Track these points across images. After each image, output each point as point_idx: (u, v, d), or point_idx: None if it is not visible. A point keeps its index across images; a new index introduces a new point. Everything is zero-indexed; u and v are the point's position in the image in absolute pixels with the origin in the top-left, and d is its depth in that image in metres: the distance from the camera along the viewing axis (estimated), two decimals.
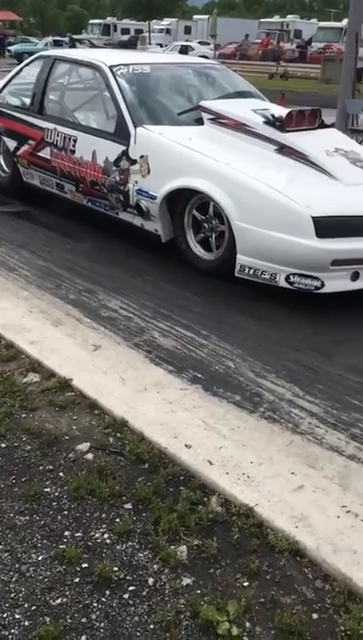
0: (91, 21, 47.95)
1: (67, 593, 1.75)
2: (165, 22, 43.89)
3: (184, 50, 28.07)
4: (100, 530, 1.96)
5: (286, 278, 3.49)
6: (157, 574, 1.81)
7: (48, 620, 1.67)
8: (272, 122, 4.07)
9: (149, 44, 35.41)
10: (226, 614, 1.67)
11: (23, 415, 2.51)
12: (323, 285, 3.47)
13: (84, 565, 1.83)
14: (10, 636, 1.62)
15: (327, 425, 2.52)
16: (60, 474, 2.19)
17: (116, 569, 1.82)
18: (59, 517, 2.00)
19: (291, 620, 1.66)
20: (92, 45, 29.66)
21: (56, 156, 4.83)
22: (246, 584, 1.78)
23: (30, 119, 5.10)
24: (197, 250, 4.03)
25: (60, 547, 1.89)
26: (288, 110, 4.18)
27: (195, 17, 48.26)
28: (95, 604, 1.72)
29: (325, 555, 1.85)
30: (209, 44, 33.58)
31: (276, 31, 37.60)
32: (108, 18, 49.17)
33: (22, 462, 2.25)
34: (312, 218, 3.39)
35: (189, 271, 4.01)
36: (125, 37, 40.40)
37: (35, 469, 2.22)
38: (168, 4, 44.36)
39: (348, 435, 2.46)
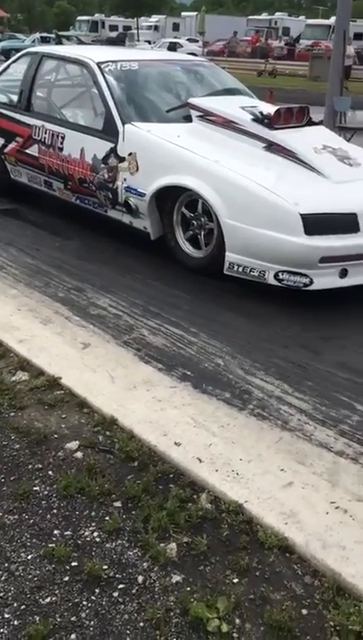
0: (78, 18, 47.69)
1: (56, 592, 1.74)
2: (154, 19, 43.78)
3: (173, 47, 28.01)
4: (90, 528, 1.95)
5: (275, 275, 3.50)
6: (146, 572, 1.81)
7: (37, 618, 1.66)
8: (261, 119, 4.08)
9: (138, 40, 35.31)
10: (216, 611, 1.68)
11: (12, 414, 2.50)
12: (312, 282, 3.48)
13: (73, 564, 1.83)
14: None
15: (316, 421, 2.53)
16: (50, 472, 2.19)
17: (105, 567, 1.81)
18: (48, 516, 2.00)
19: (280, 616, 1.67)
20: (80, 42, 29.53)
21: (44, 154, 4.81)
22: (235, 581, 1.79)
23: (18, 116, 5.07)
24: (186, 247, 4.03)
25: (50, 545, 1.88)
26: (276, 108, 4.19)
27: (183, 14, 48.13)
28: (85, 603, 1.71)
29: (314, 551, 1.85)
30: (198, 41, 33.53)
31: (264, 28, 37.62)
32: (96, 14, 48.92)
33: (11, 461, 2.24)
34: (301, 215, 3.40)
35: (177, 269, 4.01)
36: (113, 34, 40.21)
37: (23, 468, 2.21)
38: (156, 0, 44.28)
39: (337, 431, 2.47)
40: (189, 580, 1.79)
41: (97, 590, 1.75)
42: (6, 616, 1.67)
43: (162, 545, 1.88)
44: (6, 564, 1.82)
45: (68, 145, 4.58)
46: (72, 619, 1.67)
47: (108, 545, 1.89)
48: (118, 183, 4.20)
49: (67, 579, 1.78)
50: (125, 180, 4.16)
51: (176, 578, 1.79)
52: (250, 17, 44.34)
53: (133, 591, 1.75)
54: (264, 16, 43.88)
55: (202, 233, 3.92)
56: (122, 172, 4.17)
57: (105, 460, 2.24)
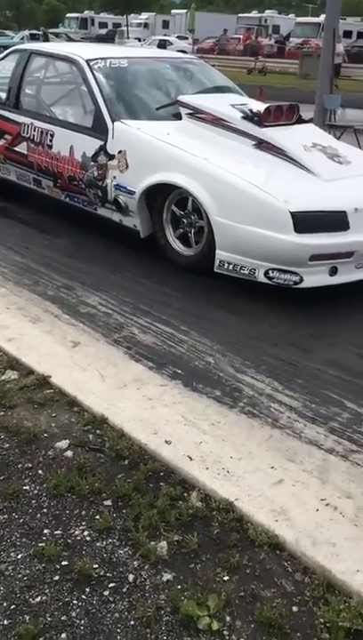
0: (68, 15, 47.43)
1: (46, 591, 1.74)
2: (143, 16, 43.64)
3: (162, 44, 27.94)
4: (80, 527, 1.95)
5: (265, 273, 3.50)
6: (137, 570, 1.81)
7: (27, 618, 1.66)
8: (250, 117, 4.07)
9: (127, 38, 35.19)
10: (206, 609, 1.68)
11: (1, 413, 2.49)
12: (302, 280, 3.49)
13: (63, 563, 1.82)
14: None
15: (306, 419, 2.54)
16: (40, 471, 2.18)
17: (96, 566, 1.81)
18: (38, 515, 1.99)
19: (271, 614, 1.67)
20: (69, 39, 29.40)
21: (33, 151, 4.78)
22: (226, 578, 1.79)
23: (6, 113, 5.04)
24: (177, 245, 4.02)
25: (40, 545, 1.88)
26: (266, 105, 4.19)
27: (173, 11, 48.01)
28: (75, 602, 1.71)
29: (304, 548, 1.86)
30: (187, 38, 33.51)
31: (254, 26, 37.62)
32: (86, 11, 48.65)
33: (0, 460, 2.23)
34: (291, 213, 3.40)
35: (168, 267, 4.01)
36: (103, 31, 40.08)
37: (13, 467, 2.20)
38: None
39: (326, 428, 2.48)
40: (180, 578, 1.79)
41: (87, 589, 1.75)
42: None
43: (152, 543, 1.88)
44: None
45: (58, 142, 4.56)
46: (62, 618, 1.66)
47: (98, 544, 1.89)
48: (108, 181, 4.19)
49: (57, 578, 1.78)
50: (114, 177, 4.15)
51: (167, 576, 1.79)
52: (240, 15, 44.25)
53: (124, 590, 1.75)
54: (254, 14, 43.87)
55: (192, 231, 3.91)
56: (111, 170, 4.16)
57: (95, 459, 2.24)
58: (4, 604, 1.69)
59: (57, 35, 32.70)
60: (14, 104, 5.02)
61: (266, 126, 4.01)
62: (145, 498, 2.04)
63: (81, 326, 3.21)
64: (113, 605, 1.70)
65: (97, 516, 1.98)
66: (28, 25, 42.74)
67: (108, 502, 2.04)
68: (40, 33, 30.22)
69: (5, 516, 1.98)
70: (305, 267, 3.47)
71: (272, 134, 3.97)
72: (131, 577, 1.79)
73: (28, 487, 2.11)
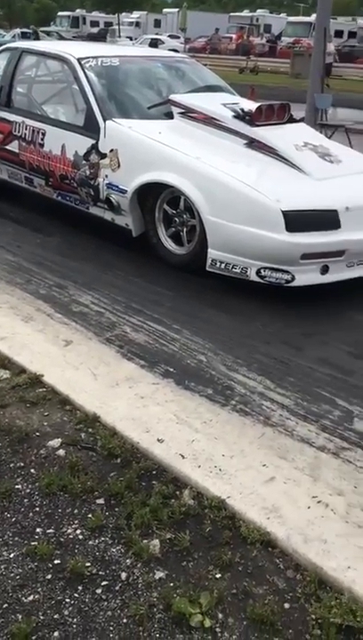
0: (59, 13, 47.30)
1: (39, 590, 1.74)
2: (135, 15, 43.59)
3: (154, 43, 27.91)
4: (73, 526, 1.95)
5: (257, 272, 3.51)
6: (129, 569, 1.81)
7: (20, 617, 1.66)
8: (242, 116, 4.08)
9: (119, 36, 35.12)
10: (199, 606, 1.69)
11: None
12: (293, 279, 3.50)
13: (56, 562, 1.82)
14: None
15: (298, 417, 2.55)
16: (32, 470, 2.18)
17: (88, 564, 1.81)
18: (30, 514, 1.99)
19: (263, 611, 1.68)
20: (61, 38, 29.31)
21: (24, 150, 4.77)
22: (218, 576, 1.80)
23: None
24: (169, 244, 4.03)
25: (32, 543, 1.88)
26: (258, 105, 4.20)
27: (165, 10, 47.99)
28: (68, 600, 1.71)
29: (296, 545, 1.87)
30: (179, 37, 33.48)
31: (246, 25, 37.66)
32: (78, 10, 48.50)
33: None
34: (282, 212, 3.41)
35: (160, 265, 4.01)
36: (95, 30, 40.00)
37: (5, 466, 2.19)
38: None
39: (318, 426, 2.49)
40: (173, 575, 1.80)
41: (80, 587, 1.75)
42: None
43: (145, 541, 1.88)
44: None
45: (49, 141, 4.55)
46: (55, 616, 1.67)
47: (91, 542, 1.89)
48: (100, 180, 4.19)
49: (49, 576, 1.78)
50: (106, 176, 4.15)
51: (159, 574, 1.80)
52: (232, 14, 44.30)
53: (117, 588, 1.75)
54: (246, 13, 43.92)
55: (184, 230, 3.92)
56: (103, 169, 4.16)
57: (87, 458, 2.24)
58: None
59: (48, 33, 32.56)
60: (6, 102, 5.00)
61: (257, 125, 4.02)
62: (137, 496, 2.04)
63: (73, 325, 3.21)
64: (106, 603, 1.71)
65: (89, 515, 1.98)
66: (19, 23, 42.55)
67: (101, 501, 2.05)
68: (30, 31, 30.07)
69: None
70: (297, 265, 3.48)
71: (264, 133, 3.97)
72: (123, 575, 1.79)
73: (20, 486, 2.10)
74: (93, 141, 4.22)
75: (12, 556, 1.84)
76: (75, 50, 4.78)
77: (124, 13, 41.36)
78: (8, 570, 1.79)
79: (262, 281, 3.53)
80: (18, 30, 30.69)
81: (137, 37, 34.69)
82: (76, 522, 1.96)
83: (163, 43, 29.96)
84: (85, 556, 1.84)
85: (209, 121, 4.11)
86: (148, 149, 3.98)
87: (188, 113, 4.21)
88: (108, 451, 2.26)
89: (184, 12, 29.96)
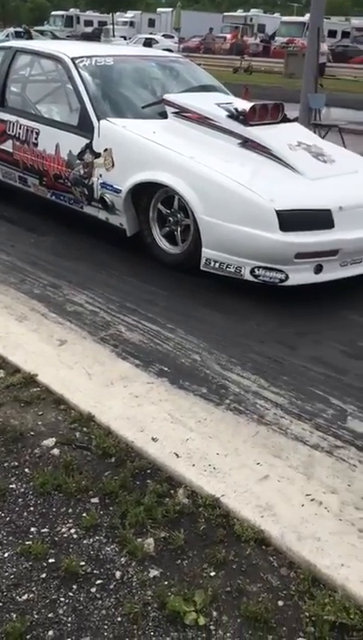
0: (53, 13, 47.16)
1: (33, 589, 1.74)
2: (129, 15, 43.57)
3: (148, 43, 27.91)
4: (67, 525, 1.95)
5: (251, 271, 3.52)
6: (124, 567, 1.81)
7: (15, 616, 1.66)
8: (236, 116, 4.09)
9: (113, 36, 35.09)
10: (193, 604, 1.69)
11: None
12: (287, 278, 3.51)
13: (50, 561, 1.83)
14: None
15: (292, 415, 2.56)
16: (26, 470, 2.18)
17: (83, 563, 1.82)
18: (25, 514, 1.99)
19: (257, 608, 1.68)
20: (55, 37, 29.22)
21: (18, 149, 4.77)
22: (212, 574, 1.80)
23: None
24: (163, 244, 4.03)
25: (27, 543, 1.88)
26: (252, 104, 4.21)
27: (159, 10, 47.95)
28: (62, 599, 1.71)
29: (289, 543, 1.88)
30: (173, 37, 33.46)
31: (239, 25, 37.69)
32: (71, 9, 48.38)
33: None
34: (276, 211, 3.42)
35: (154, 265, 4.01)
36: (89, 29, 39.91)
37: None
38: None
39: (312, 425, 2.50)
40: (167, 574, 1.80)
41: (74, 586, 1.75)
42: None
43: (139, 540, 1.89)
44: None
45: (43, 141, 4.55)
46: (49, 615, 1.67)
47: (85, 541, 1.90)
48: (94, 179, 4.18)
49: (44, 575, 1.78)
50: (100, 176, 4.14)
51: (154, 572, 1.80)
52: (226, 13, 44.33)
53: (111, 586, 1.76)
54: (240, 13, 43.95)
55: (178, 229, 3.92)
56: (97, 168, 4.16)
57: (82, 457, 2.24)
58: None
59: (42, 32, 32.45)
60: None
61: (251, 125, 4.03)
62: (132, 495, 2.05)
63: (68, 324, 3.21)
64: (100, 602, 1.71)
65: (84, 514, 1.98)
66: (13, 23, 42.40)
67: (95, 500, 2.05)
68: (20, 31, 29.93)
69: None
70: (290, 265, 3.49)
71: (258, 133, 3.98)
72: (118, 574, 1.79)
73: (14, 485, 2.10)
74: (87, 141, 4.22)
75: (6, 555, 1.84)
76: (69, 49, 4.78)
77: (118, 13, 41.33)
78: (2, 569, 1.80)
79: (256, 280, 3.54)
80: (11, 29, 30.54)
81: (131, 37, 34.67)
82: (70, 521, 1.96)
83: (157, 42, 29.94)
84: (80, 554, 1.85)
85: (203, 120, 4.12)
86: (142, 149, 3.99)
87: (182, 112, 4.21)
88: (103, 450, 2.26)
89: (178, 11, 29.94)
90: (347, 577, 1.76)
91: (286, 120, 4.39)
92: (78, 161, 4.28)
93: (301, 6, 48.29)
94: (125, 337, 3.12)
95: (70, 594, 1.73)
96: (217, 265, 3.62)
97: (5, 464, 2.20)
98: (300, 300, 3.58)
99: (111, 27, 38.31)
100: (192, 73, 5.20)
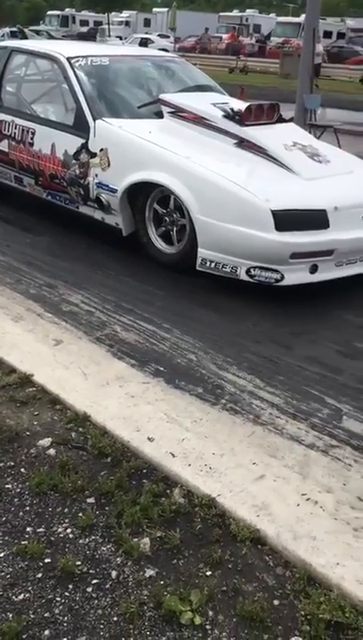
0: (49, 12, 47.10)
1: (29, 588, 1.74)
2: (125, 15, 43.52)
3: (144, 43, 27.89)
4: (63, 525, 1.95)
5: (247, 271, 3.53)
6: (120, 567, 1.82)
7: (10, 615, 1.66)
8: (232, 116, 4.09)
9: (109, 36, 35.05)
10: (189, 604, 1.69)
11: None
12: (283, 278, 3.51)
13: (46, 560, 1.83)
14: None
15: (288, 415, 2.56)
16: (22, 470, 2.18)
17: (79, 563, 1.82)
18: (20, 513, 1.99)
19: (252, 607, 1.69)
20: (51, 37, 29.17)
21: (14, 149, 4.76)
22: (208, 573, 1.81)
23: None
24: (159, 243, 4.03)
25: (23, 543, 1.88)
26: (247, 104, 4.21)
27: (154, 10, 47.92)
28: (58, 599, 1.71)
29: (285, 542, 1.88)
30: (169, 37, 33.46)
31: (235, 25, 37.71)
32: (67, 9, 48.36)
33: None
34: (272, 211, 3.43)
35: (150, 265, 4.01)
36: (84, 29, 39.88)
37: None
38: None
39: (307, 424, 2.51)
40: (163, 573, 1.80)
41: (70, 586, 1.75)
42: None
43: (135, 540, 1.89)
44: None
45: (39, 140, 4.54)
46: (45, 615, 1.67)
47: (81, 541, 1.90)
48: (90, 179, 4.18)
49: (40, 575, 1.78)
50: (96, 175, 4.14)
51: (150, 572, 1.80)
52: (221, 14, 44.34)
53: (107, 586, 1.76)
54: (235, 13, 43.97)
55: (174, 229, 3.92)
56: (93, 168, 4.16)
57: (78, 457, 2.24)
58: None
59: (38, 32, 32.40)
60: None
61: (247, 125, 4.03)
62: (128, 495, 2.05)
63: (63, 324, 3.21)
64: (96, 602, 1.71)
65: (80, 514, 1.98)
66: (8, 22, 42.33)
67: (91, 500, 2.05)
68: (16, 30, 29.84)
69: None
70: (286, 265, 3.50)
71: (253, 133, 3.99)
72: (114, 573, 1.80)
73: (10, 485, 2.10)
74: (83, 140, 4.22)
75: (2, 555, 1.84)
76: (64, 49, 4.77)
77: (113, 13, 41.27)
78: None
79: (251, 280, 3.54)
80: (7, 29, 30.49)
81: (127, 37, 34.65)
82: (66, 521, 1.96)
83: (153, 42, 29.95)
84: (76, 554, 1.85)
85: (199, 120, 4.12)
86: (138, 149, 3.99)
87: (178, 112, 4.21)
88: (99, 450, 2.26)
89: (174, 11, 29.91)
90: (342, 576, 1.77)
91: (281, 120, 4.40)
92: (74, 161, 4.28)
93: (296, 7, 48.33)
94: (121, 337, 3.12)
95: (66, 593, 1.73)
96: (213, 265, 3.63)
97: (1, 464, 2.20)
98: (295, 300, 3.59)
99: (107, 26, 38.26)
100: (188, 73, 5.20)
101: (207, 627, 1.66)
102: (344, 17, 40.71)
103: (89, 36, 33.83)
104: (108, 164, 4.08)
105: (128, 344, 3.05)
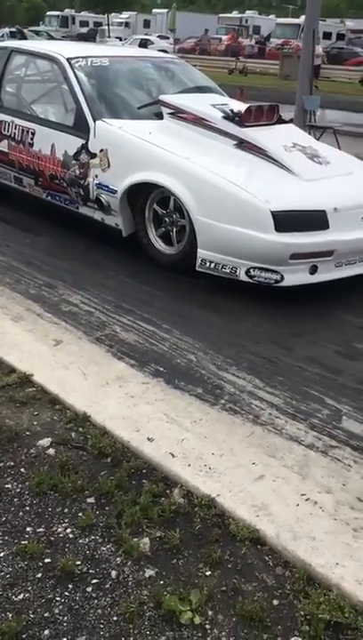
0: (48, 13, 47.18)
1: (29, 588, 1.74)
2: (125, 16, 43.54)
3: (144, 44, 27.90)
4: (63, 524, 1.95)
5: (247, 272, 3.53)
6: (120, 567, 1.82)
7: (10, 615, 1.66)
8: (231, 117, 4.10)
9: (108, 37, 35.07)
10: (188, 604, 1.70)
11: None
12: (282, 279, 3.52)
13: (46, 560, 1.83)
14: None
15: (287, 415, 2.56)
16: (22, 470, 2.18)
17: (78, 563, 1.82)
18: (20, 513, 1.99)
19: (252, 607, 1.69)
20: (50, 38, 29.21)
21: (14, 149, 4.76)
22: (208, 573, 1.81)
23: None
24: (159, 244, 4.03)
25: (23, 542, 1.88)
26: (247, 106, 4.22)
27: (154, 11, 47.93)
28: (58, 599, 1.72)
29: (285, 542, 1.88)
30: (168, 38, 33.49)
31: (235, 27, 37.75)
32: (67, 10, 48.42)
33: None
34: (271, 212, 3.44)
35: (150, 265, 4.02)
36: (84, 30, 39.92)
37: None
38: None
39: (307, 425, 2.51)
40: (163, 573, 1.80)
41: (70, 586, 1.75)
42: None
43: (135, 540, 1.89)
44: None
45: (39, 141, 4.54)
46: (45, 614, 1.67)
47: (81, 541, 1.90)
48: (90, 180, 4.19)
49: (40, 575, 1.78)
50: (96, 176, 4.15)
51: (149, 572, 1.81)
52: (221, 15, 44.37)
53: (107, 586, 1.76)
54: (235, 14, 44.00)
55: (174, 230, 3.93)
56: (93, 169, 4.16)
57: (78, 457, 2.24)
58: None
59: (38, 33, 32.43)
60: None
61: (247, 126, 4.04)
62: (128, 495, 2.05)
63: (63, 325, 3.21)
64: (96, 601, 1.71)
65: (80, 514, 1.99)
66: (8, 23, 42.33)
67: (91, 500, 2.05)
68: (15, 31, 29.84)
69: None
70: (286, 265, 3.50)
71: (253, 134, 3.99)
72: (114, 573, 1.80)
73: (10, 485, 2.10)
74: (83, 141, 4.23)
75: (1, 555, 1.84)
76: (64, 50, 4.78)
77: (113, 13, 41.30)
78: None
79: (251, 281, 3.55)
80: (6, 30, 30.50)
81: (126, 38, 34.66)
82: (66, 521, 1.97)
83: (152, 43, 29.95)
84: (76, 554, 1.85)
85: (199, 121, 4.13)
86: (138, 149, 3.99)
87: (177, 113, 4.22)
88: (99, 450, 2.26)
89: (173, 12, 29.95)
90: (342, 576, 1.77)
91: (281, 121, 4.40)
92: (74, 161, 4.28)
93: (296, 8, 48.42)
94: (121, 337, 3.13)
95: (66, 593, 1.73)
96: (213, 265, 3.63)
97: (1, 464, 2.20)
98: (295, 301, 3.59)
99: (107, 27, 38.29)
100: (188, 74, 5.21)
101: (207, 626, 1.66)
102: (344, 18, 40.76)
103: (89, 37, 33.87)
104: (108, 165, 4.08)
105: (128, 344, 3.06)
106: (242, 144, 3.98)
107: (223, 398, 2.65)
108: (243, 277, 3.55)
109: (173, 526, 1.95)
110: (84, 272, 3.93)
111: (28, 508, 2.01)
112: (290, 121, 5.19)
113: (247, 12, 46.18)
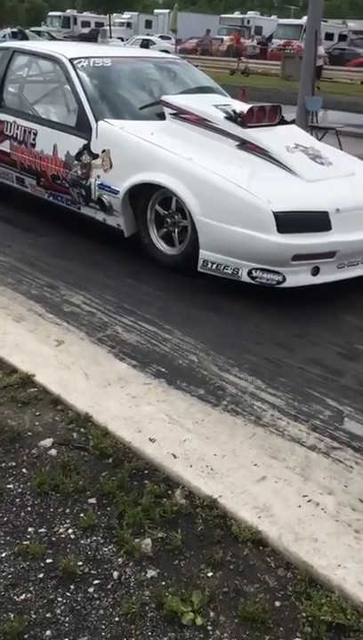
0: (50, 13, 47.21)
1: (31, 588, 1.74)
2: (126, 16, 43.56)
3: (145, 44, 27.92)
4: (65, 525, 1.95)
5: (249, 273, 3.53)
6: (121, 567, 1.82)
7: (12, 615, 1.66)
8: (234, 117, 4.10)
9: (110, 37, 35.09)
10: (190, 605, 1.69)
11: None
12: (284, 280, 3.52)
13: (48, 561, 1.83)
14: None
15: (289, 417, 2.56)
16: (24, 470, 2.18)
17: (80, 563, 1.82)
18: (22, 514, 1.99)
19: (254, 609, 1.69)
20: (52, 38, 29.22)
21: (16, 150, 4.77)
22: (209, 574, 1.81)
23: None
24: (160, 245, 4.03)
25: (24, 543, 1.88)
26: (249, 106, 4.22)
27: (156, 11, 47.96)
28: (60, 599, 1.72)
29: (287, 543, 1.88)
30: (170, 38, 33.51)
31: (237, 27, 37.75)
32: (68, 10, 48.40)
33: None
34: (274, 213, 3.43)
35: (151, 266, 4.02)
36: (86, 30, 39.93)
37: None
38: None
39: (309, 426, 2.51)
40: (164, 574, 1.80)
41: (72, 586, 1.75)
42: None
43: (137, 540, 1.89)
44: None
45: (41, 141, 4.55)
46: (47, 615, 1.67)
47: (82, 541, 1.90)
48: (92, 180, 4.19)
49: (41, 575, 1.78)
50: (98, 177, 4.15)
51: (151, 573, 1.80)
52: (223, 15, 44.39)
53: (109, 586, 1.76)
54: (237, 15, 44.01)
55: (176, 230, 3.93)
56: (95, 169, 4.16)
57: (79, 457, 2.24)
58: None
59: (39, 33, 32.45)
60: None
61: (249, 127, 4.04)
62: (129, 495, 2.05)
63: (65, 325, 3.21)
64: (98, 602, 1.71)
65: (81, 514, 1.99)
66: (9, 23, 42.37)
67: (93, 500, 2.05)
68: (17, 31, 29.87)
69: None
70: (288, 266, 3.50)
71: (255, 135, 3.99)
72: (115, 574, 1.80)
73: (11, 485, 2.10)
74: (85, 142, 4.23)
75: (3, 555, 1.84)
76: (66, 50, 4.78)
77: (115, 14, 41.33)
78: (0, 569, 1.79)
79: (253, 282, 3.55)
80: (8, 30, 30.53)
81: (128, 38, 34.67)
82: (67, 521, 1.97)
83: (154, 44, 29.97)
84: (77, 555, 1.85)
85: (201, 122, 4.13)
86: (140, 150, 3.99)
87: (180, 114, 4.22)
88: (100, 450, 2.26)
89: (175, 13, 29.98)
90: (344, 578, 1.77)
91: (283, 122, 4.40)
92: (76, 162, 4.28)
93: (298, 9, 48.46)
94: (123, 338, 3.13)
95: (68, 594, 1.73)
96: (214, 266, 3.63)
97: (3, 464, 2.20)
98: (297, 302, 3.59)
99: (108, 28, 38.31)
100: (190, 74, 5.21)
101: (209, 627, 1.66)
102: (346, 19, 40.74)
103: (90, 38, 33.88)
104: (110, 166, 4.09)
105: (130, 345, 3.06)
106: (244, 145, 3.98)
107: (225, 399, 2.65)
108: (245, 278, 3.55)
109: (174, 527, 1.95)
110: (85, 272, 3.93)
111: (29, 509, 2.01)
112: (292, 122, 5.19)
113: (249, 12, 46.18)
